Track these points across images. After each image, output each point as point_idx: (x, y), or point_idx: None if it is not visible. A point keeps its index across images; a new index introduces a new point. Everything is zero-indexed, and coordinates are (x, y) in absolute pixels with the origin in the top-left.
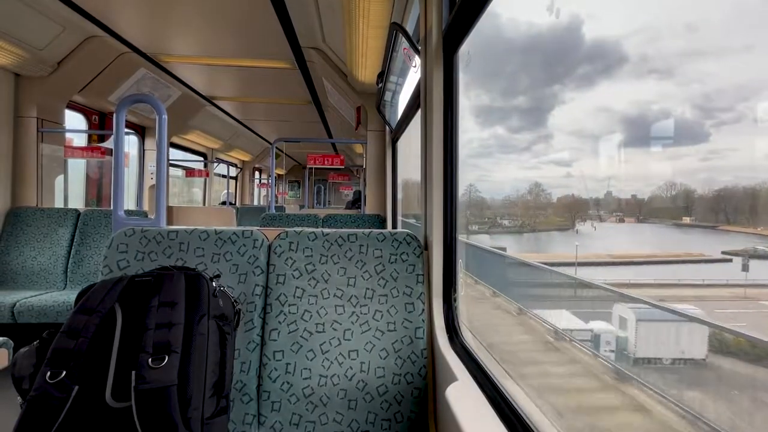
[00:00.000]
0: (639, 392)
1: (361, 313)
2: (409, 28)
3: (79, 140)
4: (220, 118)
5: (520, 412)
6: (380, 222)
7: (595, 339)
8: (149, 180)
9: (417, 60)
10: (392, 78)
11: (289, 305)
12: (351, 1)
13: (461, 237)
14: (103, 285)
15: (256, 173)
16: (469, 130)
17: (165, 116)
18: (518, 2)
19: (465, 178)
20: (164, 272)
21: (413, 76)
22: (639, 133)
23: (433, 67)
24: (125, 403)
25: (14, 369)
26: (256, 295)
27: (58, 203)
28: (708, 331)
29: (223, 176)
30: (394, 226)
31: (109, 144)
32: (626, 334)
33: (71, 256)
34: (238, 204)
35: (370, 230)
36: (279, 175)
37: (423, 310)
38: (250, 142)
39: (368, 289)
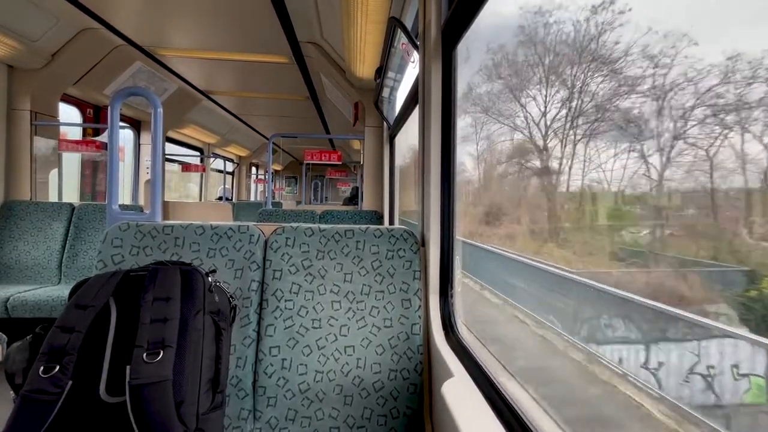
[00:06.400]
0: None
1: (358, 309)
2: (408, 23)
3: (74, 134)
4: (217, 112)
5: (515, 408)
6: (377, 218)
7: None
8: (145, 175)
9: (416, 55)
10: (390, 74)
11: (286, 301)
12: None
13: None
14: (98, 280)
15: (253, 169)
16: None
17: (160, 110)
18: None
19: None
20: (159, 267)
21: (412, 72)
22: None
23: (431, 62)
24: (119, 398)
25: (7, 364)
26: (252, 290)
27: (53, 197)
28: None
29: (220, 171)
30: (391, 223)
31: (104, 138)
32: None
33: (65, 250)
34: (234, 199)
35: (367, 226)
36: (276, 170)
37: (419, 306)
38: (247, 138)
39: (365, 285)
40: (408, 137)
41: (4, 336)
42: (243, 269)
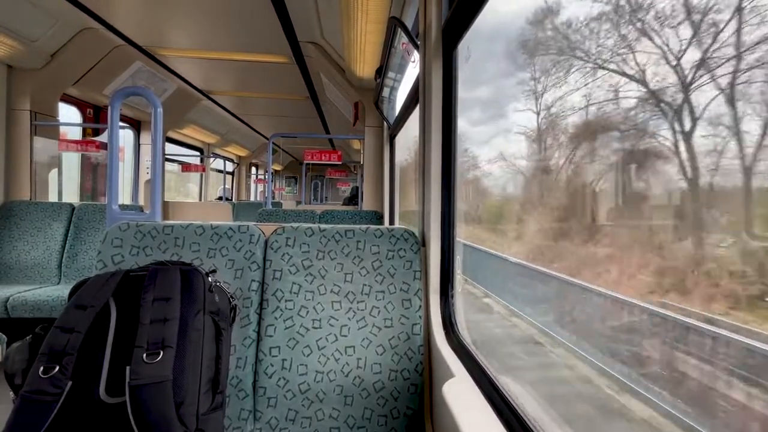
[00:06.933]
0: None
1: (358, 309)
2: (409, 22)
3: (74, 134)
4: (217, 112)
5: (516, 408)
6: (377, 218)
7: None
8: (145, 174)
9: (416, 55)
10: (390, 73)
11: (286, 301)
12: None
13: None
14: (98, 280)
15: (253, 169)
16: None
17: (160, 110)
18: None
19: None
20: (159, 267)
21: (412, 72)
22: None
23: (432, 62)
24: (119, 399)
25: (6, 364)
26: (252, 290)
27: (53, 197)
28: None
29: (220, 171)
30: (392, 223)
31: (103, 138)
32: None
33: (65, 250)
34: (234, 199)
35: (367, 226)
36: (276, 170)
37: (420, 306)
38: (247, 138)
39: (365, 285)
40: (408, 137)
41: (4, 336)
42: (243, 269)
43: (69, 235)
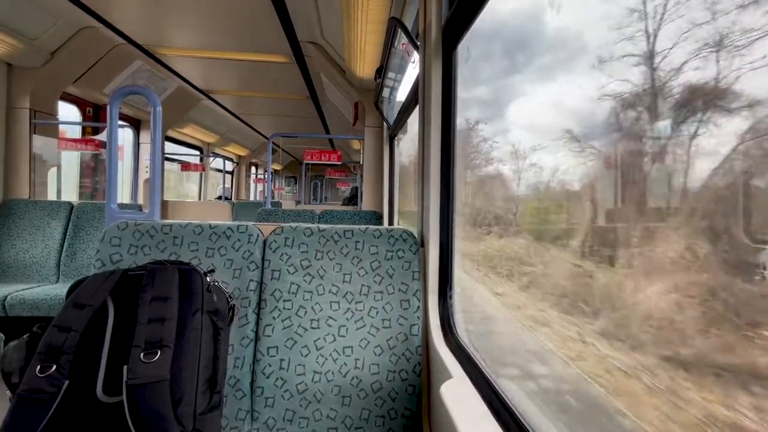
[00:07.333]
0: None
1: (357, 310)
2: (408, 23)
3: (74, 132)
4: (217, 112)
5: (514, 410)
6: (377, 219)
7: None
8: (144, 174)
9: (416, 56)
10: (390, 74)
11: (284, 301)
12: None
13: None
14: (96, 279)
15: (253, 168)
16: None
17: (160, 108)
18: None
19: None
20: (157, 266)
21: (412, 72)
22: None
23: (431, 62)
24: (116, 398)
25: (4, 363)
26: (251, 290)
27: (52, 196)
28: None
29: (220, 171)
30: (391, 223)
31: (103, 136)
32: None
33: (64, 249)
34: (234, 199)
35: (366, 226)
36: (276, 170)
37: (418, 307)
38: (246, 137)
39: (364, 285)
40: (410, 134)
41: (2, 335)
42: (242, 269)
43: (68, 233)
